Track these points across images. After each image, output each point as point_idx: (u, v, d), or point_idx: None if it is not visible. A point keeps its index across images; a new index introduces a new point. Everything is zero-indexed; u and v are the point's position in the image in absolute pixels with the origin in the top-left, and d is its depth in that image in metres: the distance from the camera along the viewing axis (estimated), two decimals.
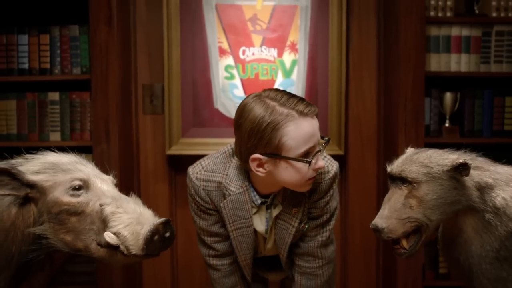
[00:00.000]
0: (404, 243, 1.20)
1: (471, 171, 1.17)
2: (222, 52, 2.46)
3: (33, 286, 1.43)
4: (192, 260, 2.58)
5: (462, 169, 1.15)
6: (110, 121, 2.24)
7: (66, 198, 1.32)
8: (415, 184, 1.17)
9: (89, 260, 2.27)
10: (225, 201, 1.53)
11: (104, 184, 1.37)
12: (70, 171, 1.36)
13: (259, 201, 1.54)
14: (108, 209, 1.29)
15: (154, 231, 1.25)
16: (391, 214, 1.18)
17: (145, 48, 2.50)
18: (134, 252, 1.26)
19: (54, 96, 2.33)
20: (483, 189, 1.18)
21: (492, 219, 1.16)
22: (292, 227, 1.57)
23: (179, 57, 2.46)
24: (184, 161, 2.38)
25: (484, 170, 1.21)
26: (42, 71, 2.34)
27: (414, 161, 1.19)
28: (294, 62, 2.45)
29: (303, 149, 1.40)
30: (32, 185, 1.33)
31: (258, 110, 1.39)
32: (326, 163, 1.55)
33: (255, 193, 1.54)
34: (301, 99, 1.42)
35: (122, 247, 1.26)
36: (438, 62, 2.32)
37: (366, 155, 2.52)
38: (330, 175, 1.53)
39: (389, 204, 1.19)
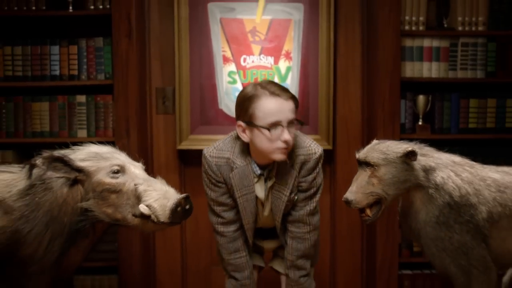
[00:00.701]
0: (368, 212, 1.58)
1: (419, 157, 1.55)
2: (225, 60, 2.84)
3: (80, 249, 1.81)
4: (198, 242, 2.94)
5: (411, 155, 1.53)
6: (130, 119, 2.61)
7: (107, 180, 1.71)
8: (376, 167, 1.55)
9: (112, 240, 2.65)
10: (232, 173, 1.90)
11: (136, 169, 1.76)
12: (110, 158, 1.75)
13: (258, 171, 1.92)
14: (141, 188, 1.68)
15: (178, 204, 1.64)
16: (358, 189, 1.56)
17: (158, 56, 2.87)
18: (162, 220, 1.65)
19: (81, 98, 2.67)
20: (428, 170, 1.56)
21: (434, 193, 1.54)
22: (284, 196, 1.92)
23: (188, 64, 2.82)
24: (193, 155, 2.75)
25: (429, 156, 1.59)
26: (71, 77, 2.67)
27: (376, 149, 1.57)
28: (288, 69, 2.83)
29: (269, 121, 1.78)
30: (80, 170, 1.72)
31: (246, 89, 1.86)
32: (312, 145, 1.93)
33: (255, 165, 1.92)
34: (280, 87, 1.85)
35: (152, 217, 1.65)
36: (412, 69, 2.68)
37: (352, 149, 2.88)
38: (316, 155, 1.91)
39: (357, 182, 1.57)
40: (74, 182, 1.73)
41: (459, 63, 2.69)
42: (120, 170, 1.72)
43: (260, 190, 1.96)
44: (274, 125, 1.78)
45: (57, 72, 2.67)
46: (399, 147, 1.56)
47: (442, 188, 1.53)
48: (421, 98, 2.68)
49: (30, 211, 1.71)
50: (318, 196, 1.99)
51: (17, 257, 1.73)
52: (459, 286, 1.56)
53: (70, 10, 2.64)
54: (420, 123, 2.70)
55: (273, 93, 1.80)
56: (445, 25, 2.73)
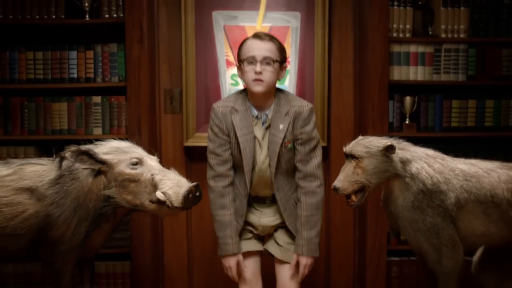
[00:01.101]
0: (354, 197, 1.84)
1: (397, 151, 1.81)
2: (228, 63, 3.09)
3: (102, 232, 2.07)
4: (203, 232, 3.17)
5: (390, 149, 1.79)
6: (141, 118, 2.84)
7: (127, 170, 1.97)
8: (360, 159, 1.80)
9: (125, 229, 2.89)
10: (234, 115, 2.17)
11: (152, 161, 2.02)
12: (129, 152, 2.01)
13: (256, 113, 2.18)
14: (157, 177, 1.94)
15: (189, 191, 1.90)
16: (345, 178, 1.82)
17: (167, 60, 3.11)
18: (175, 205, 1.91)
19: (97, 99, 2.88)
20: (405, 162, 1.81)
21: (410, 181, 1.79)
22: (279, 139, 2.14)
23: (194, 67, 3.06)
24: (198, 152, 2.98)
25: (406, 150, 1.84)
26: (88, 80, 2.88)
27: (360, 144, 1.83)
28: (286, 72, 3.09)
29: (245, 56, 2.13)
30: (103, 162, 1.98)
31: None
32: (303, 100, 2.23)
33: (254, 109, 2.19)
34: (265, 33, 2.20)
35: (167, 202, 1.91)
36: (399, 73, 2.90)
37: None
38: (309, 107, 2.18)
39: (344, 172, 1.83)
40: (98, 173, 1.99)
41: (443, 67, 2.90)
42: (138, 162, 1.98)
43: (258, 131, 2.19)
44: (250, 59, 2.11)
45: (75, 75, 2.88)
46: (380, 142, 1.82)
47: (417, 177, 1.78)
48: (407, 99, 2.90)
49: (60, 198, 1.97)
50: (319, 149, 2.19)
51: (48, 238, 1.99)
52: (431, 262, 1.82)
53: (87, 19, 2.86)
54: (407, 122, 2.92)
55: (254, 36, 2.17)
56: (430, 33, 2.94)
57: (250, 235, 2.31)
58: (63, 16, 2.87)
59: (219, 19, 3.06)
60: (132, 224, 2.86)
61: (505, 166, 1.88)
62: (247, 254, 2.29)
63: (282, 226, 2.29)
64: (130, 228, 2.88)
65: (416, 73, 2.92)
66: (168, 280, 3.17)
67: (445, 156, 1.89)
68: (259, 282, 2.32)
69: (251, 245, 2.30)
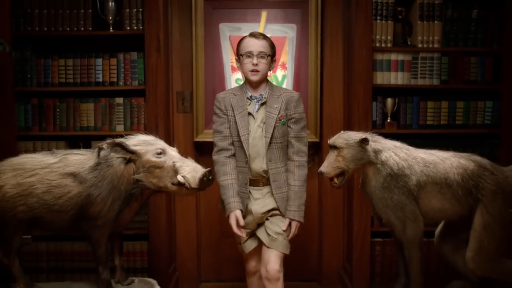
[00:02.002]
0: (336, 180, 2.30)
1: (371, 142, 2.27)
2: (233, 69, 3.55)
3: (131, 209, 2.53)
4: (210, 218, 3.63)
5: (364, 141, 2.25)
6: (158, 117, 3.27)
7: (153, 159, 2.43)
8: (340, 149, 2.27)
9: (143, 213, 3.33)
10: (232, 98, 2.60)
11: (173, 151, 2.48)
12: (154, 144, 2.47)
13: (249, 94, 2.61)
14: (177, 164, 2.40)
15: (204, 175, 2.37)
16: (328, 164, 2.28)
17: (179, 66, 3.57)
18: (193, 187, 2.37)
19: (119, 100, 3.27)
20: (376, 151, 2.28)
21: (380, 167, 2.26)
22: (274, 115, 2.55)
23: (203, 72, 3.51)
24: (206, 146, 3.39)
25: (378, 142, 2.31)
26: (111, 83, 3.27)
27: (341, 137, 2.29)
28: (284, 77, 3.55)
29: (243, 51, 2.57)
30: (133, 152, 2.44)
31: None
32: (292, 91, 2.75)
33: (248, 93, 2.62)
34: (260, 33, 2.64)
35: (186, 184, 2.37)
36: (382, 78, 3.28)
37: None
38: (296, 93, 2.67)
39: (328, 159, 2.30)
40: (128, 161, 2.43)
41: (419, 73, 3.29)
42: (162, 152, 2.44)
43: (251, 108, 2.61)
44: (248, 53, 2.56)
45: (100, 79, 3.27)
46: (356, 135, 2.29)
47: (386, 163, 2.25)
48: (389, 101, 3.30)
49: (98, 181, 2.42)
50: (306, 129, 2.64)
51: (88, 214, 2.44)
52: (398, 231, 2.29)
53: (111, 31, 3.28)
54: (388, 120, 3.32)
55: (251, 35, 2.61)
56: (408, 43, 3.34)
57: (247, 236, 2.64)
58: (90, 28, 3.27)
59: (225, 30, 3.53)
60: (150, 209, 3.29)
61: (457, 155, 2.34)
62: (252, 253, 2.66)
63: (273, 215, 2.60)
64: (148, 213, 3.31)
65: (396, 78, 3.31)
66: (180, 258, 3.64)
67: (410, 147, 2.36)
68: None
69: (249, 245, 2.65)
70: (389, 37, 3.32)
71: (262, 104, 2.61)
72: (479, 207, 2.26)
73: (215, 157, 2.64)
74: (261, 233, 2.63)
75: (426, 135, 3.33)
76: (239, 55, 2.64)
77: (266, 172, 2.59)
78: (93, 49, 3.33)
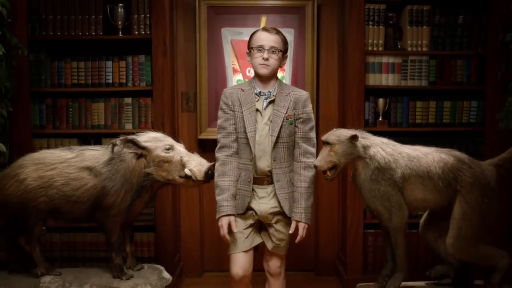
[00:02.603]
0: (328, 173, 2.54)
1: (360, 139, 2.51)
2: (235, 71, 3.80)
3: (142, 201, 2.77)
4: (213, 211, 3.75)
5: (354, 138, 2.49)
6: (164, 116, 3.49)
7: (162, 154, 2.67)
8: (333, 145, 2.50)
9: (151, 206, 3.56)
10: (240, 93, 2.57)
11: (180, 147, 2.73)
12: (163, 140, 2.72)
13: (258, 90, 2.58)
14: (184, 159, 2.65)
15: (209, 168, 2.61)
16: (322, 159, 2.52)
17: (184, 68, 3.83)
18: (199, 179, 2.61)
19: (128, 100, 3.51)
20: (365, 147, 2.52)
21: (369, 161, 2.50)
22: (281, 113, 2.52)
23: (206, 74, 3.77)
24: (210, 144, 3.59)
25: (366, 138, 2.55)
26: (121, 84, 3.50)
27: (333, 134, 2.53)
28: (282, 78, 3.78)
29: (255, 45, 2.53)
30: (144, 148, 2.68)
31: None
32: (301, 90, 2.65)
33: (257, 89, 2.58)
34: (272, 27, 2.58)
35: (193, 177, 2.62)
36: (374, 79, 3.51)
37: None
38: (305, 92, 2.64)
39: (321, 154, 2.54)
40: (140, 156, 2.67)
41: (409, 75, 3.51)
42: (170, 148, 2.69)
43: (259, 105, 2.58)
44: (259, 47, 2.53)
45: (110, 81, 3.51)
46: (347, 132, 2.53)
47: (374, 158, 2.49)
48: (380, 101, 3.53)
49: (111, 174, 2.66)
50: (314, 131, 2.63)
51: (103, 204, 2.69)
52: (385, 220, 2.53)
53: (120, 35, 3.52)
54: (380, 119, 3.55)
55: (263, 29, 2.58)
56: (399, 47, 3.57)
57: (248, 230, 2.61)
58: (101, 33, 3.50)
59: (227, 34, 3.78)
60: (156, 202, 3.52)
61: (439, 151, 2.58)
62: (241, 256, 2.59)
63: (278, 221, 2.60)
64: (155, 206, 3.54)
65: (387, 80, 3.54)
66: (184, 249, 3.90)
67: (396, 143, 2.59)
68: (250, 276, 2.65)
69: (249, 242, 2.62)
70: (380, 41, 3.56)
71: (270, 102, 2.57)
72: (458, 198, 2.50)
73: (217, 154, 2.63)
74: (265, 238, 2.66)
75: (415, 133, 3.56)
76: (250, 48, 2.59)
77: (271, 171, 2.58)
78: (103, 53, 3.56)
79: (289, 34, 3.76)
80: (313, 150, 2.61)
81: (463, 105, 3.57)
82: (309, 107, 2.62)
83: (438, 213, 2.65)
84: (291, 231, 2.55)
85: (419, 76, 3.57)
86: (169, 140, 2.73)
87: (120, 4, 3.51)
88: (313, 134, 2.62)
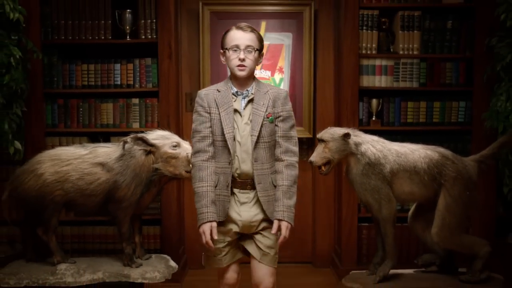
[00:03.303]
0: (323, 168, 2.78)
1: (352, 137, 2.75)
2: None
3: (150, 194, 3.00)
4: None
5: (347, 135, 2.73)
6: (170, 115, 3.71)
7: (170, 151, 2.90)
8: (327, 142, 2.74)
9: (157, 200, 3.79)
10: (216, 94, 2.43)
11: (186, 144, 2.95)
12: (170, 138, 2.95)
13: (235, 90, 2.44)
14: (190, 155, 2.89)
15: None
16: (317, 155, 2.76)
17: (188, 70, 4.06)
18: None
19: (135, 101, 3.72)
20: (357, 144, 2.76)
21: (360, 157, 2.74)
22: (261, 112, 2.40)
23: (209, 75, 3.99)
24: None
25: (358, 136, 2.79)
26: (128, 86, 3.71)
27: (327, 132, 2.77)
28: (281, 79, 4.03)
29: (230, 45, 2.39)
30: (152, 145, 2.91)
31: None
32: (279, 88, 2.71)
33: (234, 89, 2.44)
34: (247, 24, 2.43)
35: None
36: (367, 81, 3.73)
37: None
38: (283, 90, 2.55)
39: (316, 151, 2.77)
40: (149, 152, 2.90)
41: (401, 76, 3.74)
42: (177, 145, 2.92)
43: (237, 105, 2.44)
44: (234, 47, 2.38)
45: (119, 82, 3.72)
46: (340, 130, 2.76)
47: (365, 154, 2.73)
48: (374, 101, 3.75)
49: (123, 169, 2.89)
50: (295, 129, 2.49)
51: (115, 197, 2.91)
52: (375, 211, 2.77)
53: (128, 39, 3.74)
54: (373, 118, 3.77)
55: (237, 27, 2.42)
56: (391, 50, 3.80)
57: (227, 248, 2.47)
58: (109, 37, 3.72)
59: None
60: (162, 197, 3.73)
61: (425, 148, 2.82)
62: (230, 265, 2.49)
63: (264, 228, 2.44)
64: (161, 201, 3.76)
65: (380, 81, 3.77)
66: (188, 241, 4.13)
67: (385, 140, 2.83)
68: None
69: (230, 258, 2.49)
70: (374, 45, 3.78)
71: (249, 101, 2.45)
72: (442, 191, 2.74)
73: (192, 159, 2.49)
74: (250, 247, 2.48)
75: (406, 132, 3.76)
76: (224, 48, 2.45)
77: (253, 174, 2.42)
78: (112, 56, 3.78)
79: (288, 38, 4.00)
80: (295, 148, 2.47)
81: (451, 105, 3.79)
82: (289, 105, 2.50)
83: (425, 205, 2.89)
84: (273, 231, 2.38)
85: (410, 78, 3.79)
86: (176, 138, 2.96)
87: (128, 10, 3.74)
88: (294, 133, 2.49)
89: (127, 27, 3.77)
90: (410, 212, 3.01)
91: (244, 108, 2.46)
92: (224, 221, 2.45)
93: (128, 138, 2.91)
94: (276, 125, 2.46)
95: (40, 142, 3.67)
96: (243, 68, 2.41)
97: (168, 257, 3.19)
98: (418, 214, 2.95)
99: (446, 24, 3.77)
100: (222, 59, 2.51)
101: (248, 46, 2.40)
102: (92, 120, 3.79)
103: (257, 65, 2.48)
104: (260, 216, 2.44)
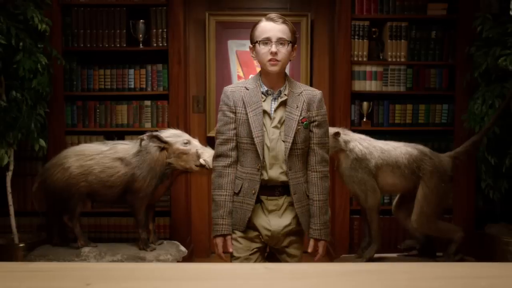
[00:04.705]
0: None
1: (342, 135, 3.17)
2: (239, 78, 4.42)
3: (164, 186, 3.42)
4: None
5: (337, 134, 3.16)
6: (179, 116, 4.12)
7: (181, 147, 3.33)
8: None
9: (167, 194, 4.23)
10: (244, 92, 2.24)
11: (196, 141, 3.37)
12: (182, 136, 3.38)
13: (265, 88, 2.24)
14: (200, 151, 3.30)
15: None
16: None
17: (195, 75, 4.47)
18: (211, 168, 3.28)
19: (148, 103, 4.12)
20: (346, 142, 3.18)
21: (349, 153, 3.16)
22: (296, 116, 2.20)
23: (215, 80, 4.39)
24: None
25: (347, 135, 3.21)
26: (141, 89, 4.11)
27: None
28: None
29: (261, 38, 2.18)
30: (166, 142, 3.34)
31: None
32: (314, 89, 2.36)
33: (264, 87, 2.24)
34: (278, 15, 2.22)
35: (206, 166, 3.27)
36: (359, 85, 4.11)
37: None
38: (318, 92, 2.34)
39: None
40: (162, 149, 3.34)
41: (389, 81, 4.12)
42: (188, 142, 3.34)
43: (267, 106, 2.25)
44: (266, 40, 2.19)
45: (132, 86, 4.12)
46: (331, 130, 3.16)
47: (353, 150, 3.15)
48: (365, 104, 4.13)
49: (139, 164, 3.32)
50: (328, 134, 2.35)
51: (132, 188, 3.34)
52: (362, 201, 3.19)
53: (141, 47, 4.13)
54: (364, 120, 4.14)
55: (268, 18, 2.22)
56: (381, 57, 4.18)
57: (255, 255, 2.27)
58: (124, 45, 4.11)
59: (233, 46, 4.42)
60: (172, 191, 4.12)
61: (406, 145, 3.24)
62: None
63: (290, 243, 2.28)
64: (171, 194, 4.16)
65: (370, 86, 4.14)
66: (194, 232, 4.53)
67: (371, 138, 3.25)
68: None
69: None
70: (365, 53, 4.18)
71: (281, 103, 2.25)
72: (421, 183, 3.16)
73: (213, 163, 2.36)
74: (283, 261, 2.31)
75: (395, 132, 4.11)
76: (254, 42, 2.24)
77: (284, 181, 2.26)
78: (126, 62, 4.16)
79: None
80: (328, 157, 2.34)
81: (435, 108, 4.18)
82: (324, 108, 2.34)
83: (407, 197, 3.31)
84: (309, 250, 2.26)
85: (398, 83, 4.17)
86: (187, 136, 3.39)
87: (141, 20, 4.15)
88: (328, 139, 2.34)
89: (140, 36, 4.16)
90: (394, 203, 3.43)
91: (275, 110, 2.26)
92: (250, 228, 2.27)
93: (145, 136, 3.33)
94: (310, 130, 2.28)
95: (60, 140, 4.08)
96: (276, 62, 2.21)
97: (178, 243, 3.62)
98: (401, 205, 3.37)
99: (430, 34, 4.16)
100: (252, 54, 2.30)
101: (280, 39, 2.21)
102: (108, 120, 4.18)
103: (290, 59, 2.31)
104: (290, 228, 2.27)
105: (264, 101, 2.26)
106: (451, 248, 3.20)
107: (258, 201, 2.26)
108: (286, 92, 2.27)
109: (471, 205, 4.09)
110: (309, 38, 4.37)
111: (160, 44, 4.17)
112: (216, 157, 2.33)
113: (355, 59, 4.17)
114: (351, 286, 1.16)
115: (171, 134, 3.37)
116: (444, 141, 4.19)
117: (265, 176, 2.24)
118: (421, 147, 3.25)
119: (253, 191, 2.23)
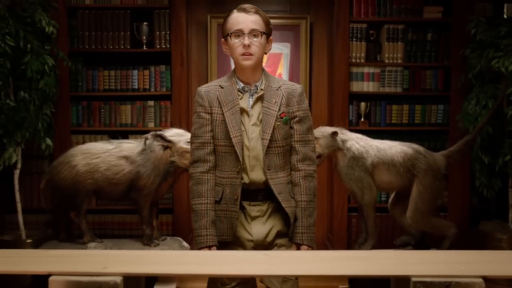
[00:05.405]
0: None
1: (340, 134, 3.31)
2: None
3: (167, 183, 3.56)
4: None
5: (334, 133, 3.30)
6: (181, 116, 4.28)
7: (184, 146, 3.46)
8: (318, 139, 3.31)
9: (170, 191, 4.37)
10: (219, 91, 2.12)
11: None
12: (184, 135, 3.51)
13: (241, 85, 2.12)
14: None
15: None
16: None
17: (197, 75, 4.59)
18: None
19: (151, 103, 4.24)
20: (343, 141, 3.32)
21: (346, 152, 3.30)
22: (273, 111, 2.07)
23: None
24: None
25: (345, 134, 3.35)
26: (145, 90, 4.23)
27: (319, 130, 3.30)
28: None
29: (232, 30, 2.05)
30: (170, 141, 3.48)
31: None
32: (293, 83, 2.20)
33: (240, 84, 2.12)
34: (250, 5, 2.10)
35: None
36: (357, 86, 4.24)
37: None
38: (298, 86, 2.18)
39: None
40: (166, 148, 3.47)
41: (386, 82, 4.24)
42: None
43: (244, 103, 2.12)
44: (238, 32, 2.06)
45: (136, 86, 4.25)
46: (329, 129, 3.33)
47: (350, 149, 3.29)
48: (362, 104, 4.26)
49: (144, 162, 3.45)
50: (312, 131, 2.22)
51: (137, 186, 3.47)
52: (358, 198, 3.33)
53: (144, 48, 4.26)
54: (362, 120, 4.28)
55: (239, 9, 2.09)
56: (378, 59, 4.31)
57: (237, 280, 2.11)
58: (128, 47, 4.23)
59: None
60: (175, 190, 4.26)
61: (401, 144, 3.38)
62: None
63: (280, 246, 2.15)
64: (173, 192, 4.30)
65: (368, 87, 4.27)
66: None
67: (368, 138, 3.40)
68: None
69: None
70: (362, 54, 4.31)
71: (258, 98, 2.14)
72: (415, 181, 3.31)
73: (190, 169, 2.19)
74: (268, 281, 2.14)
75: (391, 131, 4.23)
76: (226, 35, 2.12)
77: (266, 183, 2.11)
78: (130, 63, 4.27)
79: (286, 48, 4.56)
80: (313, 155, 2.19)
81: (431, 108, 4.31)
82: (306, 103, 2.21)
83: (402, 194, 3.45)
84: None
85: (394, 83, 4.29)
86: (189, 135, 3.52)
87: (145, 23, 4.29)
88: (311, 136, 2.20)
89: (144, 38, 4.30)
90: (390, 200, 3.57)
91: (252, 107, 2.14)
92: (230, 243, 2.12)
93: (149, 135, 3.47)
94: (291, 127, 2.16)
95: (66, 139, 4.23)
96: (249, 56, 2.09)
97: (181, 239, 3.76)
98: (396, 202, 3.51)
99: (426, 36, 4.29)
100: (225, 49, 2.18)
101: (253, 30, 2.08)
102: (112, 120, 4.31)
103: (265, 52, 2.17)
104: (275, 231, 2.15)
105: (241, 98, 2.14)
106: (444, 243, 3.34)
107: (240, 207, 2.12)
108: (262, 87, 2.14)
109: (465, 203, 4.23)
110: (308, 40, 4.51)
111: (163, 46, 4.30)
112: (193, 162, 2.19)
113: (353, 60, 4.29)
114: (341, 267, 1.30)
115: (174, 134, 3.50)
116: (439, 141, 4.33)
117: (246, 179, 2.11)
118: (415, 146, 3.39)
119: (236, 197, 2.09)
